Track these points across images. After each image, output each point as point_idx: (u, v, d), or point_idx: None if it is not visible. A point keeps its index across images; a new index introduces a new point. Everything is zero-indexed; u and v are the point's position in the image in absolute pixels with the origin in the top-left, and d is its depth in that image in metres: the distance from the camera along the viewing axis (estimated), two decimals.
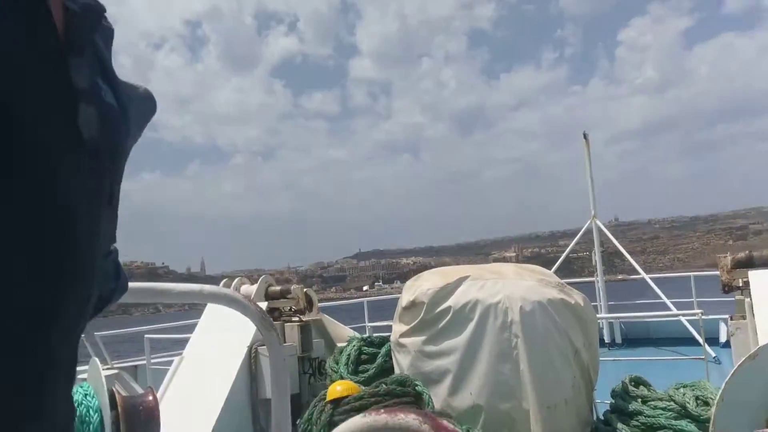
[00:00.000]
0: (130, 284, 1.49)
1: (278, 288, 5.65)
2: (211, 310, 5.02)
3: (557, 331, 3.69)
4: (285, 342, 5.33)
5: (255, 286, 5.50)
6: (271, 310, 5.53)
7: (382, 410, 0.63)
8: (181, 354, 4.93)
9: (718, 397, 1.76)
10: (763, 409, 1.72)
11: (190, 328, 5.48)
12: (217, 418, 4.27)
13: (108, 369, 6.33)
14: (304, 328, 5.33)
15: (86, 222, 0.92)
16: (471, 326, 3.62)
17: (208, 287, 1.70)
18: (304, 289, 5.63)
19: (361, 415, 0.63)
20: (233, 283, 5.37)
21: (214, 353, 4.73)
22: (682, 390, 3.85)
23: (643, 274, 10.61)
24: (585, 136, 10.79)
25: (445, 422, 0.61)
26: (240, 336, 4.50)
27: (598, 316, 6.91)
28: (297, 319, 5.53)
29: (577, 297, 3.95)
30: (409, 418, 0.61)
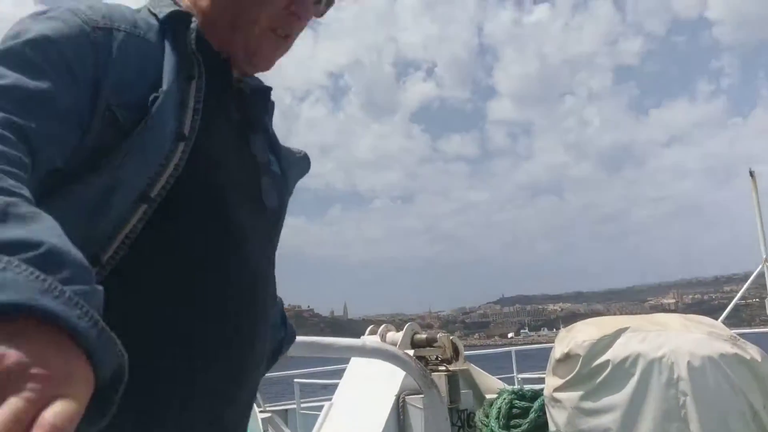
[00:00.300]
0: (297, 338, 1.54)
1: (424, 336, 5.62)
2: (356, 360, 5.10)
3: (732, 389, 3.32)
4: None
5: (401, 334, 5.52)
6: (416, 359, 5.50)
7: None
8: (330, 400, 5.03)
9: None
10: None
11: (338, 373, 5.59)
12: None
13: (262, 412, 6.62)
14: (452, 378, 5.23)
15: (271, 285, 1.02)
16: (633, 382, 3.36)
17: (369, 343, 1.71)
18: (450, 337, 5.55)
19: None
20: (379, 330, 5.43)
21: (362, 401, 4.77)
22: None
23: None
24: (751, 173, 9.87)
25: None
26: (388, 384, 4.51)
27: None
28: (444, 368, 5.44)
29: (753, 352, 3.54)
30: None
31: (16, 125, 0.71)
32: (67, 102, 0.80)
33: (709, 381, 3.29)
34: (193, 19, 0.94)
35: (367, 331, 5.12)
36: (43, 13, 0.86)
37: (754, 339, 3.89)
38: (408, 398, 4.41)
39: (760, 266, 9.95)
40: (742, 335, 3.84)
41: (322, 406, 4.94)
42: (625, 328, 3.63)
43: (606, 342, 3.60)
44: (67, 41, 0.83)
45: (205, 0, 1.00)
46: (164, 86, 0.87)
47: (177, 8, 0.94)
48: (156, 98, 0.86)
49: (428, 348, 5.54)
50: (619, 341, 3.55)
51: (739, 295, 11.27)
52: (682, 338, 3.46)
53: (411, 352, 5.37)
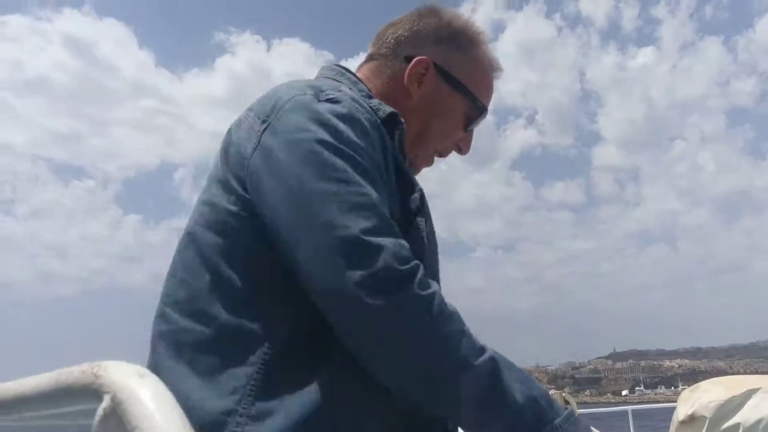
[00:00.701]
0: None
1: None
2: None
3: None
4: None
5: None
6: None
7: None
8: None
9: None
10: None
11: None
12: None
13: None
14: None
15: None
16: None
17: None
18: (563, 394, 5.36)
19: None
20: None
21: None
22: None
23: None
24: None
25: None
26: None
27: None
28: None
29: None
30: None
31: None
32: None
33: None
34: (402, 120, 1.03)
35: None
36: (344, 110, 0.90)
37: None
38: None
39: None
40: None
41: None
42: (757, 389, 3.37)
43: (735, 403, 3.36)
44: (375, 149, 0.91)
45: (411, 112, 1.10)
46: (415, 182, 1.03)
47: (393, 109, 1.02)
48: (418, 196, 0.99)
49: None
50: (749, 403, 3.30)
51: None
52: None
53: None
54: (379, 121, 0.97)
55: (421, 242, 0.93)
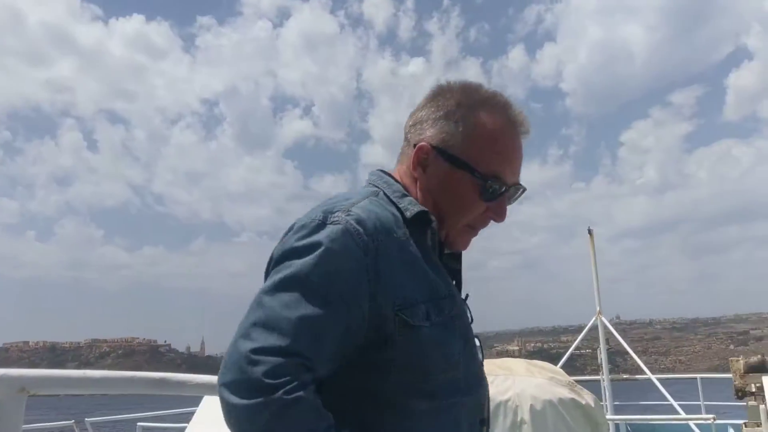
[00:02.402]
0: (143, 374, 1.44)
1: None
2: (210, 398, 4.86)
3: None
4: None
5: None
6: None
7: None
8: None
9: None
10: None
11: (186, 417, 5.28)
12: None
13: None
14: None
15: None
16: None
17: (207, 378, 1.54)
18: None
19: None
20: None
21: None
22: None
23: (649, 375, 10.37)
24: (590, 231, 10.83)
25: None
26: None
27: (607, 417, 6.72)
28: None
29: (587, 397, 3.85)
30: None
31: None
32: (341, 328, 1.01)
33: (549, 424, 3.52)
34: (432, 218, 1.16)
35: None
36: (321, 240, 1.04)
37: (586, 386, 4.23)
38: None
39: (594, 319, 10.87)
40: (577, 382, 4.17)
41: None
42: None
43: None
44: (348, 275, 1.02)
45: (423, 196, 1.20)
46: (445, 285, 1.15)
47: (422, 208, 1.15)
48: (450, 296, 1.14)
49: None
50: None
51: (574, 345, 12.17)
52: (526, 382, 3.69)
53: None
54: (402, 221, 1.13)
55: (419, 345, 1.06)
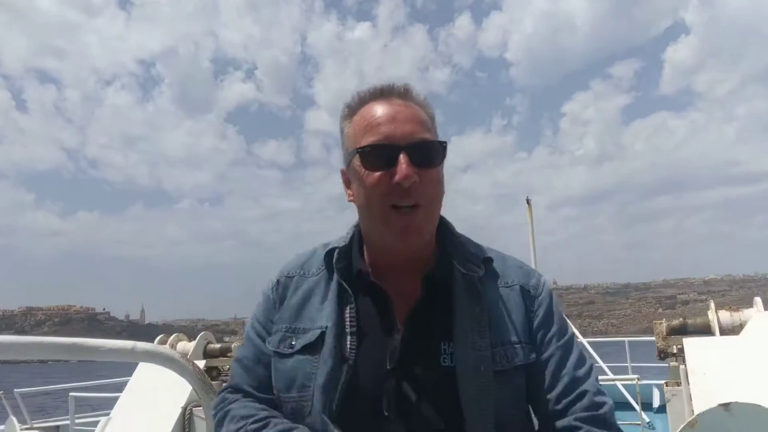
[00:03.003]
0: (53, 339, 1.40)
1: (218, 346, 5.45)
2: (144, 366, 4.78)
3: None
4: None
5: (193, 344, 5.30)
6: (209, 369, 5.31)
7: None
8: (108, 414, 4.65)
9: None
10: None
11: (121, 386, 5.20)
12: None
13: (27, 430, 5.91)
14: None
15: None
16: None
17: (141, 345, 1.55)
18: None
19: None
20: (169, 340, 5.18)
21: (145, 414, 4.48)
22: None
23: (581, 338, 10.79)
24: (528, 200, 11.09)
25: None
26: (174, 395, 4.30)
27: None
28: None
29: None
30: None
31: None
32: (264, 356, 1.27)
33: None
34: (337, 251, 1.25)
35: (156, 340, 4.84)
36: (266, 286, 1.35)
37: None
38: (195, 409, 4.25)
39: None
40: None
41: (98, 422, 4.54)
42: None
43: None
44: (258, 310, 1.33)
45: (357, 211, 1.26)
46: (327, 318, 1.19)
47: (333, 246, 1.27)
48: (324, 330, 1.19)
49: (222, 358, 5.38)
50: None
51: None
52: None
53: (203, 362, 5.18)
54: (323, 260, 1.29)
55: (276, 368, 1.24)
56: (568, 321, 1.18)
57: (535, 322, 1.22)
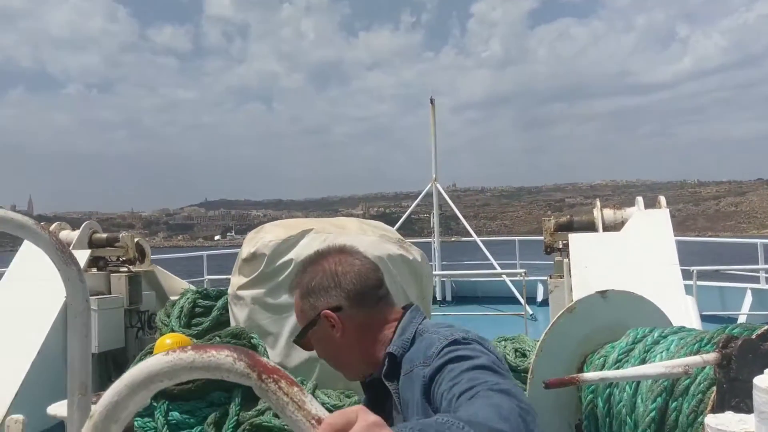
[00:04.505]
0: None
1: (104, 235, 5.21)
2: (27, 252, 4.52)
3: (394, 284, 3.77)
4: (111, 293, 4.95)
5: (77, 233, 5.03)
6: (95, 259, 5.10)
7: (189, 347, 0.53)
8: None
9: (537, 348, 1.88)
10: (577, 357, 1.85)
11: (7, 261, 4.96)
12: (26, 373, 3.88)
13: None
14: (133, 280, 4.98)
15: None
16: None
17: None
18: (136, 239, 5.24)
19: (163, 353, 0.52)
20: (51, 227, 4.87)
21: (26, 302, 4.28)
22: (503, 343, 4.20)
23: (474, 237, 11.30)
24: (432, 101, 11.09)
25: (264, 360, 0.52)
26: (60, 283, 4.08)
27: (433, 273, 7.31)
28: (126, 269, 5.15)
29: (415, 253, 4.06)
30: (221, 354, 0.51)
31: None
32: None
33: None
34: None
35: (34, 226, 4.54)
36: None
37: (419, 246, 4.43)
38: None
39: (429, 185, 11.43)
40: (413, 244, 4.36)
41: None
42: (309, 230, 3.82)
43: (291, 242, 3.76)
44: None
45: None
46: None
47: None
48: None
49: (109, 248, 5.17)
50: (302, 241, 3.73)
51: (410, 209, 12.89)
52: (358, 240, 3.77)
53: (88, 252, 4.94)
54: None
55: None
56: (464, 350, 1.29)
57: (431, 387, 1.34)
